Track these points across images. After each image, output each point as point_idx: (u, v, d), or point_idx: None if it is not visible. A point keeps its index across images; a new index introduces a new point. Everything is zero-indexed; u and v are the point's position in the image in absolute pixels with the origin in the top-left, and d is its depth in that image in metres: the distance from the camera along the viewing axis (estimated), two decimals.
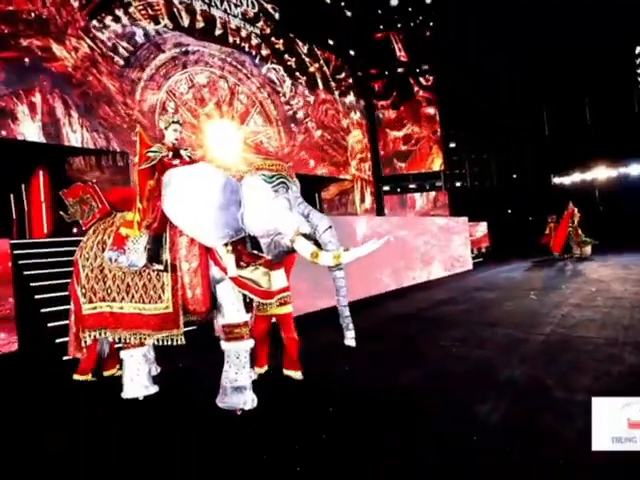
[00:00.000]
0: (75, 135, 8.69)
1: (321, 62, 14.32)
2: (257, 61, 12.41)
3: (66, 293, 4.92)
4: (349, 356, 3.73)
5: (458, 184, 17.24)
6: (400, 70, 15.83)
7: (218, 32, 11.53)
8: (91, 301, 3.34)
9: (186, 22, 10.91)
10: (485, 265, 12.41)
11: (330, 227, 2.92)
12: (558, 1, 15.13)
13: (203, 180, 3.02)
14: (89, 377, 3.85)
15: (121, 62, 9.60)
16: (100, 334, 3.35)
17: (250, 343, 3.21)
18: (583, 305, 5.83)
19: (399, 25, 15.81)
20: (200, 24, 11.18)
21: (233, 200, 3.02)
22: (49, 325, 4.67)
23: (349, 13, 14.93)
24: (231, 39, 11.81)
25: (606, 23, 15.17)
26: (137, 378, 3.44)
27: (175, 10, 10.67)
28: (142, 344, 3.41)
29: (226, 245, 3.04)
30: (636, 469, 1.65)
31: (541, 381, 3.30)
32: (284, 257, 3.23)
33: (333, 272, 2.97)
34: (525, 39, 14.71)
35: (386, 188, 16.23)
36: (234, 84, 11.77)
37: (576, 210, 13.71)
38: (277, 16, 12.97)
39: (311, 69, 14.00)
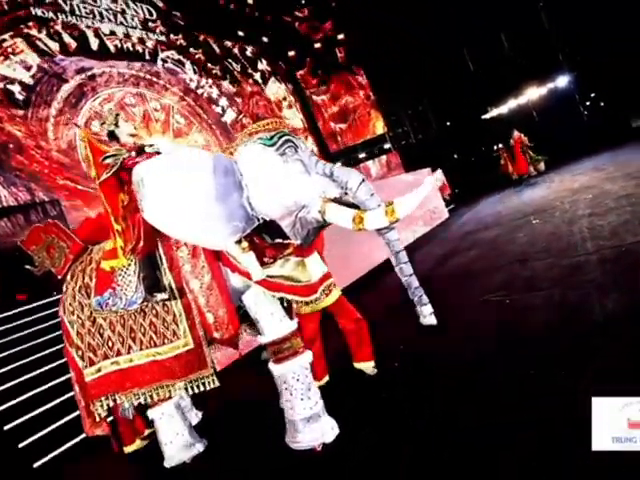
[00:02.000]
0: None
1: (237, 55, 13.05)
2: (172, 68, 11.01)
3: (16, 382, 3.80)
4: (384, 337, 3.08)
5: (404, 142, 16.52)
6: (317, 45, 14.77)
7: (119, 48, 9.99)
8: (92, 363, 2.51)
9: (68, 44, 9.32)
10: (459, 210, 11.76)
11: (363, 180, 2.19)
12: None
13: (186, 168, 2.16)
14: (140, 444, 3.04)
15: (20, 103, 8.04)
16: (114, 401, 2.50)
17: (308, 357, 2.46)
18: (598, 212, 5.13)
19: (303, 2, 14.72)
20: (96, 44, 9.63)
21: (231, 183, 2.18)
22: (5, 428, 3.41)
23: (250, 1, 13.65)
24: (137, 52, 10.32)
25: None
26: (177, 438, 2.68)
27: (39, 41, 8.62)
28: (169, 397, 2.60)
29: (240, 242, 2.22)
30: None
31: None
32: (316, 237, 2.39)
33: (384, 235, 2.24)
34: None
35: (338, 165, 15.24)
36: (155, 98, 10.36)
37: (522, 135, 13.59)
38: (180, 19, 11.55)
39: (229, 65, 12.68)
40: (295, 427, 2.38)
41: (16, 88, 8.18)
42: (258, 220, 2.24)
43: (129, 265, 2.42)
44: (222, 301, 2.29)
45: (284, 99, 14.19)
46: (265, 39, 13.94)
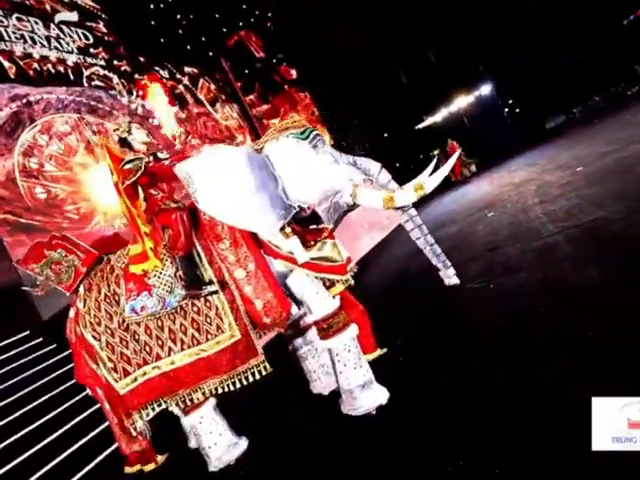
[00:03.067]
0: None
1: (181, 78, 12.72)
2: (114, 93, 10.47)
3: None
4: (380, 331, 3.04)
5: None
6: (259, 65, 14.80)
7: (38, 71, 9.22)
8: (127, 373, 2.48)
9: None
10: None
11: (382, 167, 2.43)
12: None
13: (225, 164, 2.31)
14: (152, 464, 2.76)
15: None
16: (156, 407, 2.50)
17: (355, 329, 2.59)
18: (547, 200, 5.50)
19: (240, 24, 14.73)
20: (30, 70, 8.97)
21: (266, 176, 2.35)
22: None
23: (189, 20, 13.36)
24: (59, 73, 9.52)
25: None
26: (220, 439, 2.66)
27: None
28: (207, 398, 2.59)
29: (283, 229, 2.37)
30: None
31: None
32: (341, 220, 2.56)
33: (407, 212, 2.45)
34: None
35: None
36: (98, 123, 9.79)
37: (455, 143, 14.48)
38: (119, 43, 11.04)
39: (156, 73, 12.20)
40: (352, 395, 2.50)
41: None
42: (294, 208, 2.40)
43: (163, 265, 2.42)
44: (269, 286, 2.37)
45: (232, 117, 13.97)
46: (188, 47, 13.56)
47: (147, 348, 2.43)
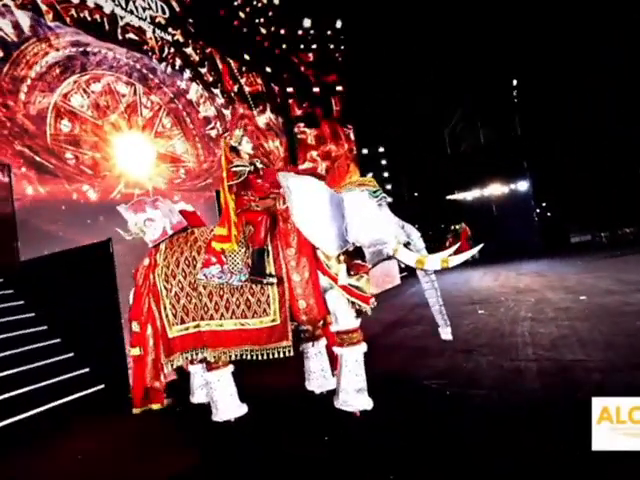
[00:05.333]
0: None
1: (238, 77, 13.04)
2: (169, 70, 10.73)
3: None
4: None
5: None
6: (316, 90, 15.14)
7: (123, 34, 9.63)
8: (183, 321, 3.14)
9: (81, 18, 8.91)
10: (410, 278, 11.97)
11: (420, 236, 3.09)
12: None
13: (315, 192, 2.98)
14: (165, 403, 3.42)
15: None
16: (195, 354, 3.16)
17: (364, 346, 3.13)
18: (539, 319, 5.33)
19: (314, 46, 15.19)
20: (101, 22, 9.27)
21: (338, 213, 2.99)
22: None
23: (264, 31, 13.87)
24: (140, 43, 10.00)
25: (488, 57, 16.07)
26: (230, 398, 3.27)
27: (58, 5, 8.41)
28: (228, 363, 3.25)
29: (338, 256, 3.00)
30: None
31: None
32: (379, 264, 3.23)
33: (429, 275, 3.06)
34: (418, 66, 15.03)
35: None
36: (144, 92, 10.00)
37: (467, 229, 14.41)
38: (191, 27, 11.41)
39: (228, 83, 12.62)
40: (348, 394, 3.05)
41: (24, 22, 7.66)
42: (349, 244, 3.02)
43: (239, 250, 3.03)
44: (314, 294, 2.98)
45: (269, 129, 14.13)
46: (269, 70, 14.06)
47: (205, 308, 3.04)
